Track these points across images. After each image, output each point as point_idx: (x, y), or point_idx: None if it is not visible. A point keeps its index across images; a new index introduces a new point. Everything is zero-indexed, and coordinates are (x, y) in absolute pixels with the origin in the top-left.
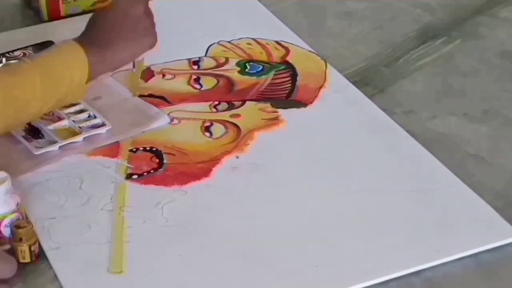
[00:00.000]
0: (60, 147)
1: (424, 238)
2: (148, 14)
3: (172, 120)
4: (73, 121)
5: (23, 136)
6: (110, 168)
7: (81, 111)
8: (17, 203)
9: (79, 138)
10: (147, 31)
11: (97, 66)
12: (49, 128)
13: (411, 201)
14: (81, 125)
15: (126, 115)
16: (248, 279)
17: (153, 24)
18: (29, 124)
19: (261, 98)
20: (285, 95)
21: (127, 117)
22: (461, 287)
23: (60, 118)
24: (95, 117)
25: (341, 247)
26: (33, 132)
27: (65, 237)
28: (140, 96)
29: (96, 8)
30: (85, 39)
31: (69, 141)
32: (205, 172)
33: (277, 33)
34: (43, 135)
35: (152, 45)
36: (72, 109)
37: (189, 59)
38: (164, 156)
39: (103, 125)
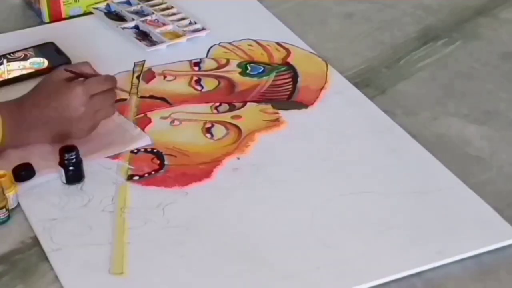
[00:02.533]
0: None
1: (425, 239)
2: (90, 114)
3: (173, 121)
4: (177, 26)
5: (135, 37)
6: (111, 170)
7: (183, 18)
8: None
9: (183, 40)
10: (77, 126)
11: (10, 135)
12: (157, 31)
13: (412, 202)
14: (184, 29)
15: (107, 134)
16: (249, 280)
17: (89, 123)
18: (137, 27)
19: (262, 99)
20: (286, 96)
21: (108, 136)
22: None
23: (164, 24)
24: (195, 23)
25: (342, 249)
26: (143, 34)
27: (66, 238)
28: (142, 97)
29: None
30: (7, 106)
31: (175, 42)
32: (206, 173)
33: (278, 34)
34: (151, 37)
35: (79, 137)
36: (175, 17)
37: (190, 61)
38: (165, 157)
39: (203, 29)
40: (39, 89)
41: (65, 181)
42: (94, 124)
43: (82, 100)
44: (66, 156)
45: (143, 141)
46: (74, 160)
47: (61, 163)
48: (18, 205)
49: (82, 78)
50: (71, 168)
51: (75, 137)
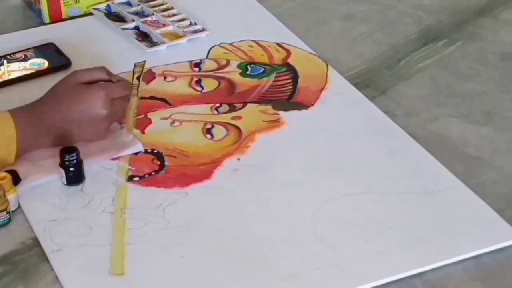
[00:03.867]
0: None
1: (425, 240)
2: (111, 114)
3: (173, 122)
4: (178, 27)
5: (135, 38)
6: (111, 170)
7: (183, 19)
8: None
9: (183, 41)
10: (96, 128)
11: (27, 141)
12: (157, 32)
13: (412, 203)
14: (184, 30)
15: (99, 141)
16: (249, 281)
17: (107, 125)
18: (138, 28)
19: (262, 100)
20: (287, 97)
21: (99, 143)
22: None
23: (165, 25)
24: (196, 24)
25: (342, 249)
26: (143, 35)
27: (66, 239)
28: (142, 98)
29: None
30: (26, 114)
31: (176, 43)
32: (206, 174)
33: (278, 35)
34: (152, 38)
35: (96, 139)
36: (175, 18)
37: (190, 61)
38: (166, 158)
39: (203, 30)
40: (58, 93)
41: (65, 182)
42: (110, 126)
43: (105, 102)
44: (67, 157)
45: (135, 148)
46: (75, 161)
47: (62, 164)
48: (19, 206)
49: (101, 82)
50: (71, 169)
51: (93, 138)
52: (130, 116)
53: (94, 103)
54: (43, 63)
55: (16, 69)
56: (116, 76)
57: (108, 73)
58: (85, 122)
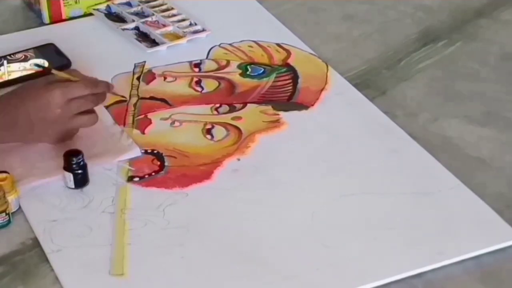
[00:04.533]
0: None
1: (425, 240)
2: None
3: (173, 122)
4: (178, 27)
5: (135, 38)
6: (111, 171)
7: (183, 19)
8: None
9: (183, 41)
10: (50, 132)
11: None
12: (157, 32)
13: (413, 203)
14: (184, 30)
15: (99, 143)
16: (249, 281)
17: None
18: (138, 29)
19: (262, 100)
20: (287, 97)
21: (99, 146)
22: None
23: (165, 25)
24: (195, 24)
25: (342, 250)
26: (143, 36)
27: (66, 239)
28: (142, 98)
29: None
30: None
31: (176, 43)
32: (207, 175)
33: (278, 36)
34: (152, 38)
35: (51, 142)
36: (175, 18)
37: (190, 62)
38: (166, 158)
39: (203, 30)
40: (20, 89)
41: (73, 186)
42: (68, 130)
43: (58, 101)
44: (74, 160)
45: (133, 153)
46: (82, 163)
47: (68, 168)
48: (19, 207)
49: (64, 82)
50: (79, 171)
51: (47, 141)
52: (129, 117)
53: (48, 100)
54: (43, 64)
55: (16, 70)
56: (85, 77)
57: (80, 74)
58: (38, 120)
